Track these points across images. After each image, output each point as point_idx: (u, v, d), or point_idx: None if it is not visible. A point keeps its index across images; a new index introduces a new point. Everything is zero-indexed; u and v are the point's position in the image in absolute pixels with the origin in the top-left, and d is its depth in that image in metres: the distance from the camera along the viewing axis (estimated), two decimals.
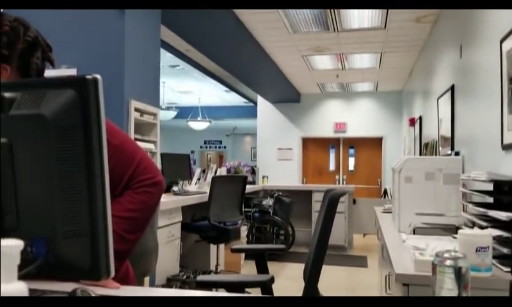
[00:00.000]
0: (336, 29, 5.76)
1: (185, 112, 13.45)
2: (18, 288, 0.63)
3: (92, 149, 0.78)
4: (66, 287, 0.99)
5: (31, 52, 1.33)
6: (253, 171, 7.91)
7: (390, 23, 5.50)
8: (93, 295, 0.85)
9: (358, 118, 10.18)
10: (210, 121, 13.89)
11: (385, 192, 8.83)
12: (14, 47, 1.29)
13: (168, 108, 11.96)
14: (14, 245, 0.63)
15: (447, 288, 0.95)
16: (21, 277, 0.65)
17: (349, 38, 6.16)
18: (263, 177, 8.21)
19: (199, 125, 13.90)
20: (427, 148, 5.34)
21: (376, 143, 10.20)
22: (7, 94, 0.78)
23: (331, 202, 1.47)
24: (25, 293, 0.64)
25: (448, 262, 0.95)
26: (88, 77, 0.78)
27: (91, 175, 0.79)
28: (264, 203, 6.79)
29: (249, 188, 5.94)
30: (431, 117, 5.20)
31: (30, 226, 0.80)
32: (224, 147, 18.66)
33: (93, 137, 0.78)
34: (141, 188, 1.34)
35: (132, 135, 3.69)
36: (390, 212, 3.52)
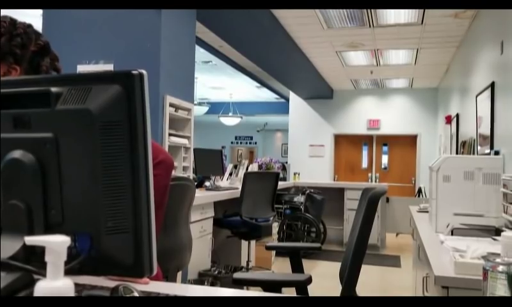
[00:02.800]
0: (371, 25, 5.66)
1: (216, 108, 13.53)
2: (64, 284, 0.63)
3: (137, 145, 0.77)
4: (108, 283, 1.00)
5: (41, 57, 1.41)
6: (284, 168, 7.88)
7: (427, 18, 5.37)
8: (135, 291, 0.85)
9: (392, 115, 10.00)
10: (241, 117, 13.92)
11: (419, 190, 8.64)
12: (26, 48, 1.36)
13: (200, 103, 12.05)
14: (61, 241, 0.63)
15: (499, 294, 0.90)
16: (65, 273, 0.65)
17: (384, 34, 6.05)
18: (294, 174, 8.16)
19: (230, 120, 13.96)
20: (464, 147, 5.19)
21: (410, 141, 10.00)
22: (54, 89, 0.79)
23: (371, 201, 1.44)
24: (72, 290, 0.64)
25: (500, 268, 0.91)
26: (134, 72, 0.78)
27: (136, 171, 0.78)
28: (296, 199, 6.75)
29: (280, 184, 5.91)
30: (469, 115, 5.05)
31: (74, 222, 0.80)
32: (255, 143, 18.67)
33: (138, 132, 0.77)
34: None
35: (167, 131, 3.73)
36: (426, 212, 3.44)
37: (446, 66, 7.76)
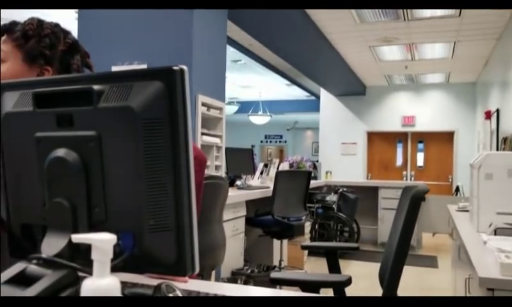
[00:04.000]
0: (406, 18, 5.54)
1: (246, 107, 13.55)
2: (111, 282, 0.62)
3: (178, 142, 0.76)
4: (149, 281, 1.00)
5: (71, 55, 1.41)
6: (315, 166, 7.81)
7: (465, 10, 5.21)
8: (177, 290, 0.84)
9: (428, 111, 9.77)
10: (271, 116, 13.89)
11: (457, 189, 8.42)
12: (55, 48, 1.37)
13: (230, 103, 12.09)
14: (108, 239, 0.63)
15: None
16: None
17: (419, 27, 5.91)
18: (326, 172, 8.09)
19: (260, 119, 13.95)
20: (505, 143, 5.01)
21: (446, 138, 9.75)
22: (96, 87, 0.78)
23: (414, 201, 1.39)
24: (118, 288, 0.63)
25: None
26: (175, 67, 0.77)
27: (177, 169, 0.77)
28: (328, 198, 6.68)
29: (311, 183, 5.86)
30: (511, 110, 4.88)
31: (117, 220, 0.80)
32: (285, 141, 18.61)
33: (180, 129, 0.76)
34: None
35: (199, 130, 3.74)
36: (466, 211, 3.33)
37: (485, 60, 7.53)
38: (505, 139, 5.12)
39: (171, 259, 0.80)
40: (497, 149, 5.60)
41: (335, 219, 6.50)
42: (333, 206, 6.55)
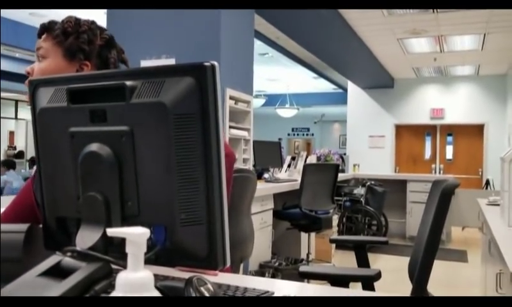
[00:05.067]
0: (435, 10, 5.42)
1: (273, 100, 13.53)
2: (145, 275, 0.63)
3: (210, 137, 0.77)
4: (179, 274, 1.01)
5: (109, 50, 1.47)
6: (342, 159, 7.74)
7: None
8: (208, 283, 0.85)
9: (457, 103, 9.57)
10: (298, 109, 13.84)
11: (487, 182, 8.23)
12: (93, 43, 1.43)
13: (257, 96, 12.10)
14: (141, 233, 0.64)
15: None
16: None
17: (448, 19, 5.78)
18: (354, 165, 8.01)
19: (287, 112, 13.92)
20: None
21: (476, 130, 9.53)
22: (129, 83, 0.79)
23: (445, 195, 1.36)
24: (152, 280, 0.64)
25: None
26: (206, 63, 0.77)
27: (209, 164, 0.77)
28: (355, 191, 6.63)
29: (339, 176, 5.81)
30: None
31: (150, 213, 0.81)
32: (312, 134, 18.52)
33: (211, 124, 0.76)
34: None
35: (227, 123, 3.76)
36: (497, 205, 3.26)
37: None
38: None
39: (203, 252, 0.81)
40: None
41: (363, 212, 6.44)
42: (361, 199, 6.50)
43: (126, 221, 0.81)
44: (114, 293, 0.63)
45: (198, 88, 0.77)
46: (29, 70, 1.43)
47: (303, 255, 4.82)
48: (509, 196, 2.60)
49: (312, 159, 6.57)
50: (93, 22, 1.48)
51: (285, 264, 4.39)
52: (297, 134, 18.73)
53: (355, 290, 1.26)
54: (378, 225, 6.41)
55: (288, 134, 18.58)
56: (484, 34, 6.49)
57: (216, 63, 0.78)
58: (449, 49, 7.38)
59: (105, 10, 4.02)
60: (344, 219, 6.49)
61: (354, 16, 5.81)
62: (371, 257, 5.95)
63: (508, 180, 2.63)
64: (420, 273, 1.39)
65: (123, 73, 0.83)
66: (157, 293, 0.65)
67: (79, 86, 0.86)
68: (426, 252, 1.39)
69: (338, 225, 6.34)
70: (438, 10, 5.43)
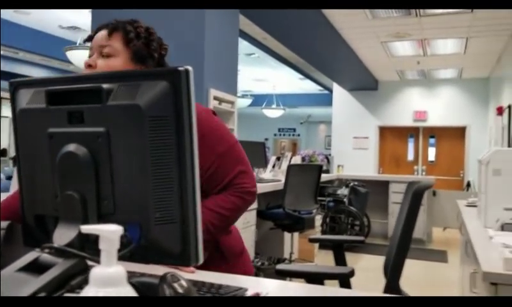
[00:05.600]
0: (418, 14, 5.51)
1: (259, 100, 13.56)
2: (117, 271, 0.66)
3: (183, 139, 0.80)
4: (157, 270, 1.04)
5: (164, 59, 1.51)
6: (327, 160, 7.82)
7: None
8: (182, 279, 0.88)
9: (440, 106, 9.72)
10: (284, 109, 13.89)
11: (468, 184, 8.38)
12: (157, 52, 1.48)
13: (243, 96, 12.12)
14: (114, 230, 0.67)
15: None
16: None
17: (432, 23, 5.88)
18: (338, 166, 8.09)
19: (273, 112, 13.96)
20: None
21: (458, 133, 9.69)
22: (105, 86, 0.82)
23: (416, 196, 1.42)
24: (124, 276, 0.67)
25: None
26: (180, 68, 0.80)
27: (182, 164, 0.81)
28: (339, 192, 6.70)
29: (323, 177, 5.87)
30: None
31: (125, 212, 0.84)
32: (298, 135, 18.60)
33: (185, 126, 0.80)
34: (238, 192, 1.43)
35: None
36: (475, 206, 3.34)
37: (498, 55, 7.45)
38: None
39: (176, 250, 0.84)
40: (508, 145, 5.56)
41: (346, 212, 6.52)
42: (344, 199, 6.57)
43: (102, 219, 0.84)
44: (87, 288, 0.66)
45: (173, 92, 0.80)
46: (92, 64, 1.43)
47: (286, 255, 4.87)
48: (486, 198, 2.67)
49: (297, 160, 6.63)
50: (155, 31, 1.52)
51: (267, 264, 4.43)
52: (284, 135, 18.79)
53: (329, 288, 1.30)
54: (361, 225, 6.49)
55: (275, 134, 18.63)
56: (467, 38, 6.61)
57: (190, 68, 0.81)
58: (432, 53, 7.50)
59: (89, 10, 4.02)
60: (328, 219, 6.56)
61: (339, 19, 5.88)
62: (353, 256, 6.05)
63: (485, 182, 2.70)
64: (392, 270, 1.44)
65: (100, 76, 0.86)
66: (129, 288, 0.68)
67: (57, 88, 0.89)
68: (398, 251, 1.44)
69: (322, 225, 6.40)
70: (421, 14, 5.52)
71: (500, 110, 6.67)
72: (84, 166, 0.83)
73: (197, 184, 0.83)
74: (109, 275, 0.66)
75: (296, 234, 4.95)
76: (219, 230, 1.42)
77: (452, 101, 9.68)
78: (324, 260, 5.52)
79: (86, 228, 0.68)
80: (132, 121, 0.81)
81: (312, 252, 5.54)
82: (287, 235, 4.88)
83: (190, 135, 0.81)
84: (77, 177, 0.84)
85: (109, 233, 0.66)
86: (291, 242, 4.82)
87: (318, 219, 5.97)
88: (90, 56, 1.47)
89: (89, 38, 1.51)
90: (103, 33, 1.45)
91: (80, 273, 0.81)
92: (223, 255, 1.48)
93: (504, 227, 2.41)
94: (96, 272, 0.66)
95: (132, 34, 1.45)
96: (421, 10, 5.38)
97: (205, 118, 1.44)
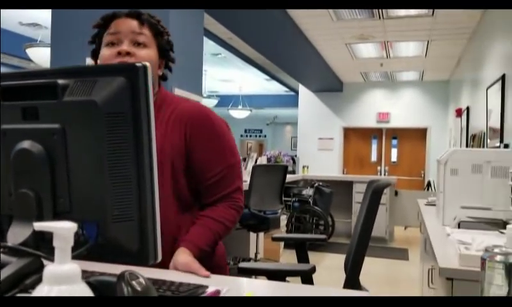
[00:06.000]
0: (381, 16, 5.63)
1: (226, 101, 13.54)
2: (71, 268, 0.65)
3: (141, 136, 0.80)
4: (115, 269, 1.03)
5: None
6: (294, 161, 7.88)
7: (438, 10, 5.32)
8: (141, 277, 0.87)
9: (402, 108, 9.96)
10: (250, 110, 13.91)
11: (429, 184, 8.62)
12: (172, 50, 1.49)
13: (209, 96, 12.07)
14: (68, 228, 0.66)
15: (497, 284, 0.92)
16: (73, 258, 0.68)
17: (394, 26, 6.01)
18: (303, 167, 8.17)
19: (240, 113, 13.96)
20: (474, 140, 5.16)
21: (420, 134, 9.96)
22: (61, 81, 0.81)
23: (375, 193, 1.45)
24: (78, 273, 0.66)
25: (498, 257, 0.92)
26: (138, 64, 0.80)
27: (140, 162, 0.80)
28: (304, 192, 6.77)
29: (289, 177, 5.92)
30: (480, 108, 5.02)
31: (82, 210, 0.83)
32: (265, 136, 18.67)
33: (143, 124, 0.79)
34: (235, 206, 1.45)
35: None
36: (434, 205, 3.43)
37: (457, 59, 7.70)
38: (473, 136, 5.27)
39: (134, 248, 0.84)
40: (467, 146, 5.76)
41: (311, 212, 6.59)
42: (309, 200, 6.64)
43: (58, 217, 0.83)
44: (40, 286, 0.65)
45: (130, 88, 0.80)
46: (130, 51, 1.32)
47: (252, 254, 4.88)
48: (444, 197, 2.76)
49: (262, 160, 6.66)
50: None
51: (232, 263, 4.43)
52: (250, 135, 18.83)
53: (290, 284, 1.32)
54: (325, 225, 6.58)
55: (241, 135, 18.64)
56: (428, 42, 6.80)
57: (148, 64, 0.81)
58: (395, 55, 7.67)
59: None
60: (293, 219, 6.61)
61: (304, 21, 5.94)
62: (318, 255, 6.10)
63: (443, 181, 2.79)
64: (352, 266, 1.47)
65: (56, 71, 0.84)
66: (84, 286, 0.67)
67: (11, 83, 0.87)
68: (358, 247, 1.47)
69: (287, 225, 6.45)
70: (384, 16, 5.64)
71: (459, 112, 6.89)
72: (39, 164, 0.82)
73: (155, 182, 0.82)
74: (63, 273, 0.65)
75: (262, 234, 4.97)
76: (219, 241, 1.44)
77: (414, 103, 9.94)
78: (289, 259, 5.57)
79: (39, 225, 0.67)
80: (88, 117, 0.80)
81: (278, 251, 5.58)
82: (252, 235, 4.89)
83: (148, 132, 0.80)
84: (31, 175, 0.83)
85: (63, 230, 0.65)
86: (256, 242, 4.84)
87: (283, 219, 6.02)
88: (113, 43, 1.35)
89: (104, 24, 1.40)
90: (132, 22, 1.37)
91: (35, 272, 0.79)
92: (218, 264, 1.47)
93: (461, 224, 2.50)
94: (49, 269, 0.65)
95: (160, 27, 1.42)
96: (384, 13, 5.50)
97: (224, 127, 1.48)
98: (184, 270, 1.21)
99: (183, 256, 1.26)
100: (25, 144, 0.82)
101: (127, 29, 1.35)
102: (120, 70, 0.81)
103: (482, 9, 4.98)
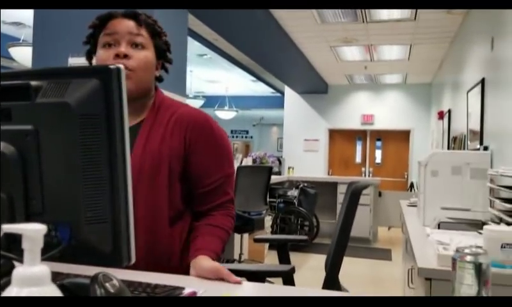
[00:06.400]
0: (365, 20, 5.68)
1: (212, 102, 13.52)
2: (41, 270, 0.65)
3: (114, 138, 0.80)
4: (88, 271, 1.02)
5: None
6: (280, 162, 7.90)
7: (421, 14, 5.39)
8: (114, 279, 0.87)
9: (386, 110, 10.06)
10: (237, 111, 13.92)
11: (412, 185, 8.71)
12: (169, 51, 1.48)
13: (195, 97, 12.04)
14: (37, 229, 0.66)
15: (467, 283, 0.94)
16: (45, 260, 0.67)
17: (377, 29, 6.07)
18: (289, 168, 8.20)
19: (226, 114, 13.95)
20: (455, 142, 5.23)
21: (403, 136, 10.06)
22: (34, 83, 0.81)
23: (354, 194, 1.47)
24: (48, 275, 0.66)
25: (468, 258, 0.94)
26: (112, 66, 0.80)
27: (113, 163, 0.80)
28: (289, 193, 6.79)
29: (274, 178, 5.94)
30: (460, 110, 5.09)
31: (54, 211, 0.83)
32: (251, 137, 18.68)
33: (116, 125, 0.79)
34: (230, 215, 1.44)
35: None
36: (416, 206, 3.48)
37: (439, 62, 7.80)
38: (455, 138, 5.34)
39: (108, 250, 0.84)
40: (448, 148, 5.83)
41: (296, 213, 6.61)
42: (294, 201, 6.67)
43: (30, 219, 0.82)
44: (9, 288, 0.65)
45: (103, 90, 0.80)
46: (128, 53, 1.30)
47: (236, 256, 4.88)
48: (424, 198, 2.80)
49: (248, 161, 6.67)
50: None
51: None
52: (237, 136, 18.83)
53: (270, 285, 1.33)
54: (310, 225, 6.61)
55: (228, 136, 18.62)
56: (411, 45, 6.88)
57: (121, 66, 0.81)
58: (378, 58, 7.75)
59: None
60: (278, 220, 6.63)
61: (289, 23, 5.97)
62: (302, 256, 6.12)
63: (424, 183, 2.83)
64: (331, 266, 1.48)
65: (30, 72, 0.84)
66: (54, 288, 0.67)
67: None
68: (337, 247, 1.49)
69: (272, 226, 6.47)
70: (368, 20, 5.70)
71: (441, 115, 6.98)
72: (12, 165, 0.81)
73: (129, 183, 0.82)
74: (32, 275, 0.65)
75: (246, 235, 4.98)
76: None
77: (398, 105, 10.04)
78: (274, 260, 5.58)
79: (8, 228, 0.67)
80: (62, 119, 0.79)
81: (262, 253, 5.59)
82: (236, 236, 4.89)
83: (122, 134, 0.81)
84: (4, 176, 0.82)
85: (32, 232, 0.65)
86: (241, 243, 4.84)
87: (268, 220, 6.03)
88: (110, 44, 1.32)
89: (100, 24, 1.36)
90: (129, 22, 1.34)
91: (6, 274, 0.79)
92: None
93: (441, 225, 2.54)
94: (18, 271, 0.65)
95: (157, 28, 1.40)
96: (367, 16, 5.55)
97: (224, 135, 1.48)
98: (212, 277, 1.18)
99: (208, 262, 1.23)
100: None
101: (124, 30, 1.32)
102: (93, 71, 0.82)
103: (462, 9, 5.06)
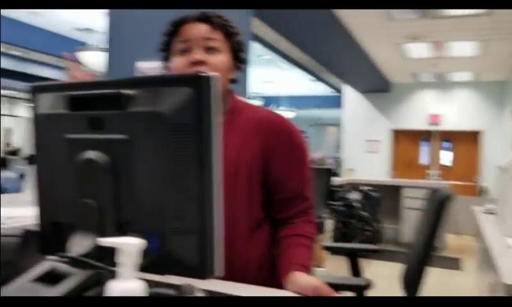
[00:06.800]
0: (434, 15, 5.45)
1: (269, 102, 13.53)
2: (137, 285, 0.64)
3: (205, 148, 0.77)
4: (164, 278, 1.01)
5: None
6: (338, 163, 7.75)
7: (495, 9, 5.09)
8: (198, 291, 0.85)
9: (455, 109, 9.60)
10: (294, 111, 13.85)
11: (483, 190, 8.27)
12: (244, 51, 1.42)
13: (254, 98, 12.09)
14: (134, 244, 0.64)
15: None
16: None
17: (448, 25, 5.80)
18: (348, 170, 8.03)
19: (284, 114, 13.91)
20: None
21: (473, 137, 9.58)
22: (125, 92, 0.80)
23: (441, 206, 1.37)
24: (144, 291, 0.64)
25: None
26: (203, 74, 0.77)
27: (203, 174, 0.78)
28: (350, 196, 6.62)
29: (334, 181, 5.81)
30: None
31: (143, 221, 0.81)
32: (308, 137, 18.53)
33: (207, 135, 0.77)
34: (313, 221, 1.37)
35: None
36: (493, 213, 3.28)
37: None
38: None
39: (193, 262, 0.81)
40: None
41: (357, 217, 6.44)
42: (355, 204, 6.49)
43: (120, 228, 0.82)
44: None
45: (195, 99, 0.77)
46: (204, 60, 1.28)
47: None
48: (506, 206, 2.61)
49: None
50: None
51: None
52: None
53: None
54: (373, 231, 6.42)
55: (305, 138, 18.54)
56: (485, 41, 6.52)
57: (213, 74, 0.78)
58: (448, 55, 7.41)
59: (103, 11, 4.01)
60: (339, 224, 6.49)
61: (353, 21, 5.83)
62: (365, 262, 5.90)
63: (505, 189, 2.64)
64: (412, 281, 1.40)
65: (121, 82, 0.83)
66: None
67: (78, 93, 0.87)
68: (419, 262, 1.40)
69: (333, 230, 6.34)
70: (438, 16, 5.45)
71: None
72: (103, 174, 0.81)
73: (217, 194, 0.80)
74: (126, 290, 0.63)
75: None
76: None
77: (468, 104, 9.56)
78: (334, 266, 5.46)
79: (105, 241, 0.66)
80: (154, 128, 0.78)
81: (322, 257, 5.48)
82: None
83: (212, 144, 0.78)
84: (95, 185, 0.82)
85: (129, 246, 0.64)
86: None
87: (328, 224, 5.91)
88: (184, 51, 1.30)
89: (173, 30, 1.34)
90: (203, 26, 1.31)
91: (96, 285, 0.78)
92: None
93: None
94: (113, 286, 0.63)
95: (231, 29, 1.35)
96: (437, 12, 5.31)
97: (302, 138, 1.40)
98: (312, 295, 1.12)
99: (307, 278, 1.18)
100: (91, 154, 0.82)
101: (197, 36, 1.29)
102: (184, 80, 0.79)
103: None
